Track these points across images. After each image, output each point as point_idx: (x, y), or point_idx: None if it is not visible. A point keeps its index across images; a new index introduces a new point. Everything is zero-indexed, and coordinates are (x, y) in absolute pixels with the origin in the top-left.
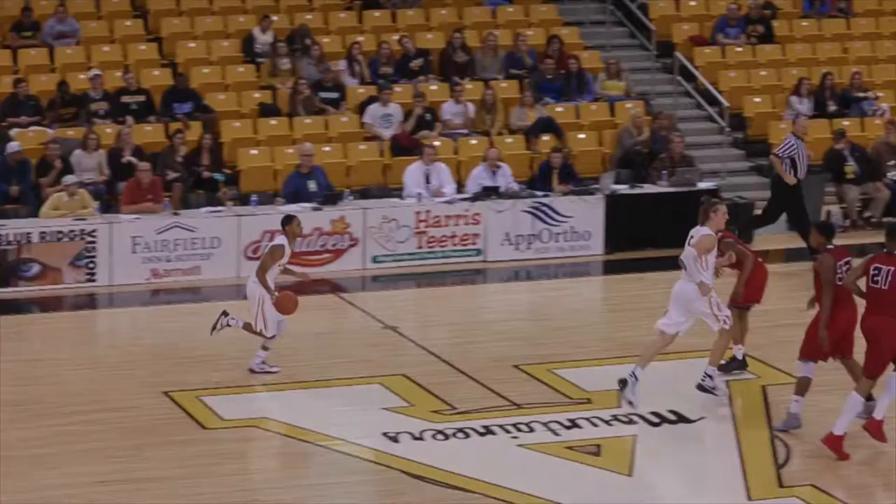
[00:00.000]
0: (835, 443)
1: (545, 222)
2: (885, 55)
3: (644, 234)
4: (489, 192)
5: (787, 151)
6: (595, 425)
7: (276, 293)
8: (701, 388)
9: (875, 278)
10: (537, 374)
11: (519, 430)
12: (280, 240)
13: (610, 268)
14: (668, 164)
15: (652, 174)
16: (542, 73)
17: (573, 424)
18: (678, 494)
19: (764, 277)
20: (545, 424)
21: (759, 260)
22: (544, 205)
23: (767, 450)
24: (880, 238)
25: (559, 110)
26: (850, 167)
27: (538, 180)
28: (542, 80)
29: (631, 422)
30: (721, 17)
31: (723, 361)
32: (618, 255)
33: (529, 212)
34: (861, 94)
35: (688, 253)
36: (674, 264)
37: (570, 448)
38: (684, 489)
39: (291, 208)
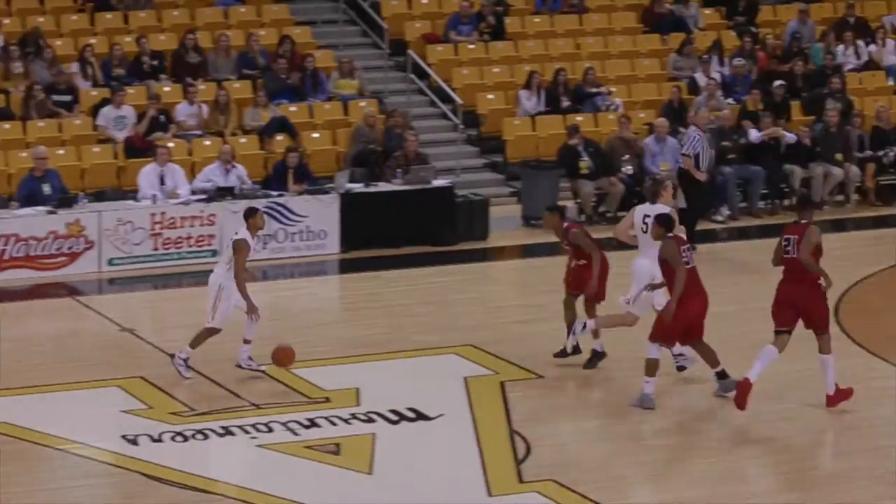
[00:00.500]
0: (839, 397)
1: (281, 222)
2: (618, 50)
3: (379, 233)
4: (224, 193)
5: (694, 147)
6: (334, 424)
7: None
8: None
9: (787, 248)
10: (276, 373)
11: (258, 430)
12: (243, 233)
13: (346, 266)
14: (402, 163)
15: (386, 172)
16: (275, 72)
17: (312, 424)
18: (418, 492)
19: (605, 272)
20: (284, 424)
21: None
22: (279, 205)
23: (507, 446)
24: (606, 234)
25: (293, 110)
26: (585, 162)
27: (273, 180)
28: (276, 80)
29: (370, 420)
30: (454, 14)
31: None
32: (353, 253)
33: (265, 212)
34: (594, 90)
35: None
36: (410, 262)
37: (309, 447)
38: (424, 487)
39: (26, 212)
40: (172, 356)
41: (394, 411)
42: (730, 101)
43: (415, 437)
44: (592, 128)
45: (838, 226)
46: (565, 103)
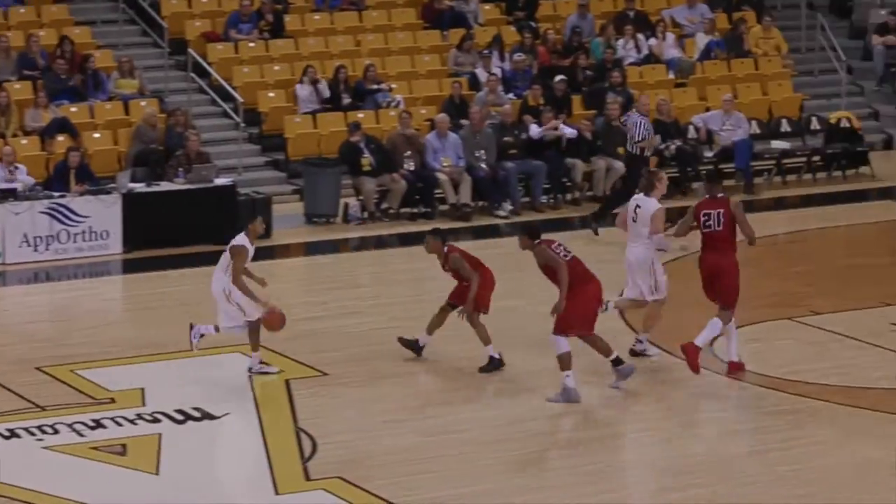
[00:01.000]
0: (737, 367)
1: (63, 223)
2: (398, 47)
3: (162, 232)
4: (6, 195)
5: (643, 133)
6: (120, 425)
7: (265, 309)
8: (633, 352)
9: (707, 223)
10: (60, 375)
11: (44, 432)
12: (241, 239)
13: (129, 266)
14: (184, 162)
15: (168, 172)
16: (55, 73)
17: (98, 425)
18: (205, 492)
19: (491, 286)
20: (70, 426)
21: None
22: (61, 205)
23: (293, 444)
24: (400, 229)
25: (74, 110)
26: (367, 159)
27: (54, 181)
28: (56, 81)
29: (156, 420)
30: (233, 13)
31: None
32: (137, 253)
33: (47, 213)
34: (375, 87)
35: (643, 223)
36: (194, 261)
37: (95, 448)
38: (212, 486)
39: None
40: (249, 369)
41: (180, 411)
42: (511, 96)
43: (201, 437)
44: (374, 125)
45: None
46: (346, 100)
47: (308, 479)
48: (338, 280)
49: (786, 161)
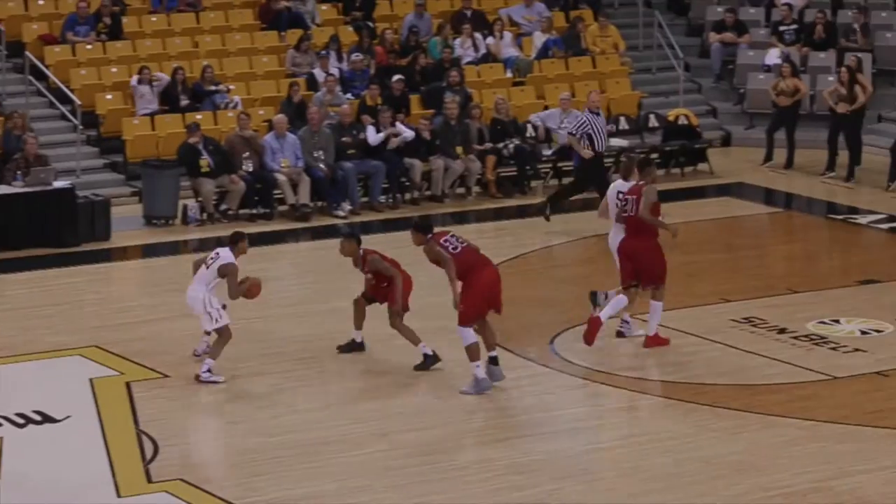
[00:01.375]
0: (655, 341)
1: None
2: (236, 48)
3: (0, 235)
4: None
5: (582, 128)
6: None
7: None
8: (620, 333)
9: (625, 207)
10: None
11: None
12: (228, 257)
13: None
14: (22, 165)
15: (6, 175)
16: None
17: None
18: (48, 495)
19: (409, 287)
20: None
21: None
22: None
23: (134, 446)
24: (239, 230)
25: None
26: (205, 160)
27: None
28: None
29: None
30: (70, 15)
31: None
32: None
33: None
34: (213, 88)
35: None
36: (33, 264)
37: None
38: (54, 489)
39: None
40: (197, 377)
41: (20, 414)
42: (348, 96)
43: (42, 440)
44: (212, 126)
45: (460, 218)
46: (184, 102)
47: (150, 481)
48: (177, 281)
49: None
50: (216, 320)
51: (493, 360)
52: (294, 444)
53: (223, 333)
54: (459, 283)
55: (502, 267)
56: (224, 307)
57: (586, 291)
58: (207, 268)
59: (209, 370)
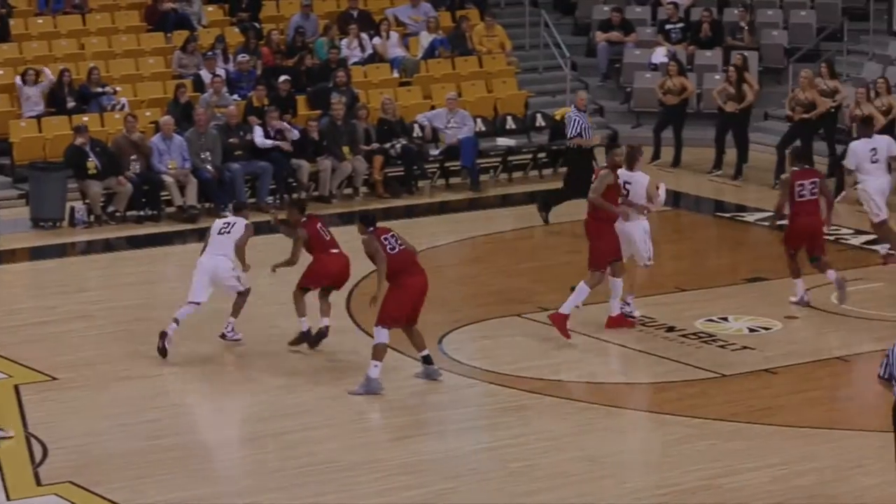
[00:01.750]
0: (559, 320)
1: None
2: (122, 49)
3: None
4: None
5: (577, 129)
6: None
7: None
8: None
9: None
10: None
11: None
12: (242, 220)
13: None
14: None
15: None
16: None
17: None
18: None
19: (333, 267)
20: None
21: (335, 252)
22: None
23: (23, 449)
24: (127, 232)
25: None
26: (92, 162)
27: None
28: None
29: None
30: None
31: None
32: None
33: None
34: (99, 89)
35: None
36: None
37: None
38: None
39: None
40: (223, 335)
41: None
42: (235, 97)
43: None
44: (99, 128)
45: (348, 219)
46: (71, 104)
47: (39, 484)
48: (65, 284)
49: (511, 158)
50: (242, 282)
51: (427, 359)
52: (182, 447)
53: (245, 294)
54: (387, 284)
55: None
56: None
57: (473, 292)
58: (228, 234)
59: (232, 329)
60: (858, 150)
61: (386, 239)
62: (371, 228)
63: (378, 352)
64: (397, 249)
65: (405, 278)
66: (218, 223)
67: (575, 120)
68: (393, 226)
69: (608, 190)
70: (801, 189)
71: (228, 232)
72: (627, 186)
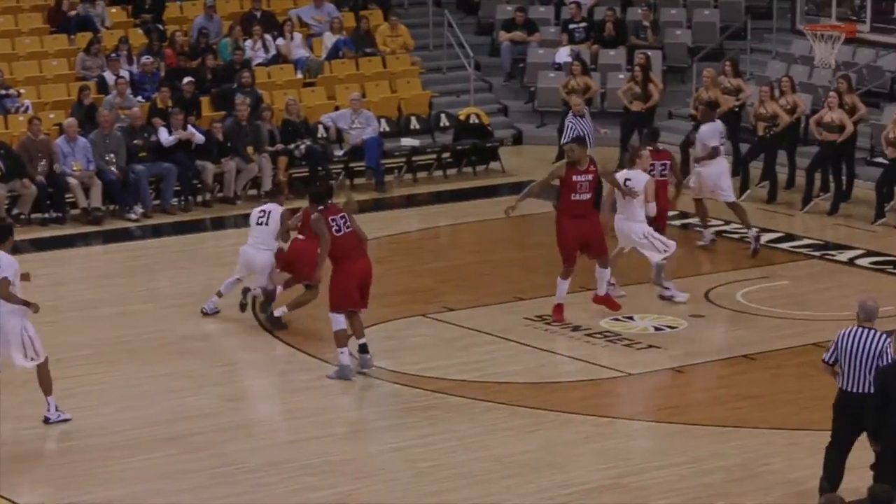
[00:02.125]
0: (601, 300)
1: None
2: (25, 52)
3: None
4: None
5: (572, 133)
6: None
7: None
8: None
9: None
10: None
11: None
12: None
13: None
14: None
15: None
16: None
17: None
18: None
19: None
20: None
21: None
22: None
23: None
24: (31, 234)
25: None
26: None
27: None
28: None
29: None
30: None
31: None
32: None
33: None
34: (3, 92)
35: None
36: None
37: None
38: None
39: None
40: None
41: None
42: (139, 98)
43: None
44: (3, 130)
45: None
46: None
47: None
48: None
49: (416, 158)
50: (272, 281)
51: (363, 348)
52: (87, 449)
53: (272, 294)
54: (328, 267)
55: None
56: None
57: (379, 292)
58: (266, 224)
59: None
60: (706, 134)
61: (334, 220)
62: (320, 207)
63: (339, 338)
64: (343, 231)
65: (347, 263)
66: (255, 212)
67: (569, 126)
68: None
69: (562, 184)
70: (652, 169)
71: (266, 223)
72: (628, 184)
